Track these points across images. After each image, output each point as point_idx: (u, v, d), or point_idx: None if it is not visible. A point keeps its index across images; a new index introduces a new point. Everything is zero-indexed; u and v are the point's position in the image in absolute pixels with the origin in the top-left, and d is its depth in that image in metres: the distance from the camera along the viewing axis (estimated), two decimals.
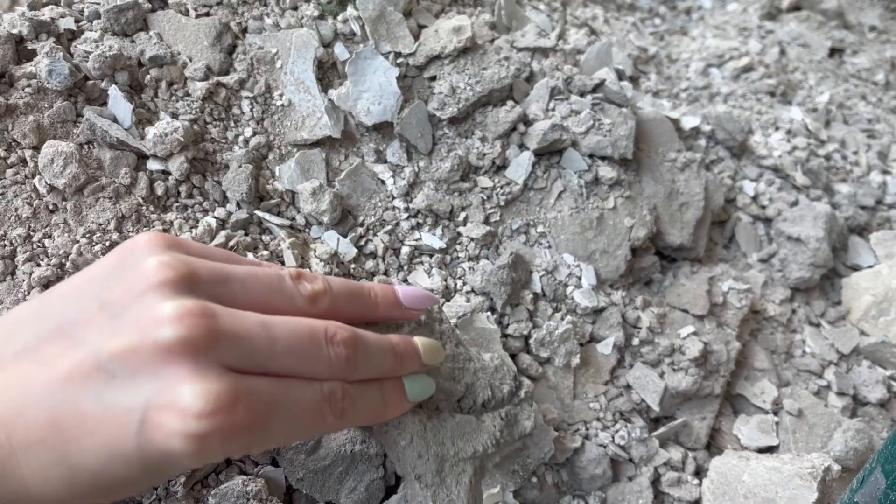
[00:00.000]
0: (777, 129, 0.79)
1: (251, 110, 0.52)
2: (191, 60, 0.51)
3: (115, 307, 0.27)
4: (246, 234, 0.48)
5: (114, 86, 0.47)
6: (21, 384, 0.26)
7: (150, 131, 0.46)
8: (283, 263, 0.47)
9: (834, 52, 1.02)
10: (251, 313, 0.29)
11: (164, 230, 0.46)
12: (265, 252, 0.48)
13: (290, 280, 0.32)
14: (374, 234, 0.52)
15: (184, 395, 0.25)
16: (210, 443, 0.25)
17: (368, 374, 0.33)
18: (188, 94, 0.50)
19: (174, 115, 0.49)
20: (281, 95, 0.52)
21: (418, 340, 0.36)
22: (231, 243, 0.46)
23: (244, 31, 0.55)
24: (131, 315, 0.27)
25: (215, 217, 0.48)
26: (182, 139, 0.47)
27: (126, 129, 0.47)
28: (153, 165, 0.47)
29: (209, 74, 0.51)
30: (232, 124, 0.51)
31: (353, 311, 0.34)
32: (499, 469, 0.44)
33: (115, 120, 0.47)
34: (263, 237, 0.49)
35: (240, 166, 0.49)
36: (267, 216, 0.49)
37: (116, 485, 0.27)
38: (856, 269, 0.69)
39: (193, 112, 0.50)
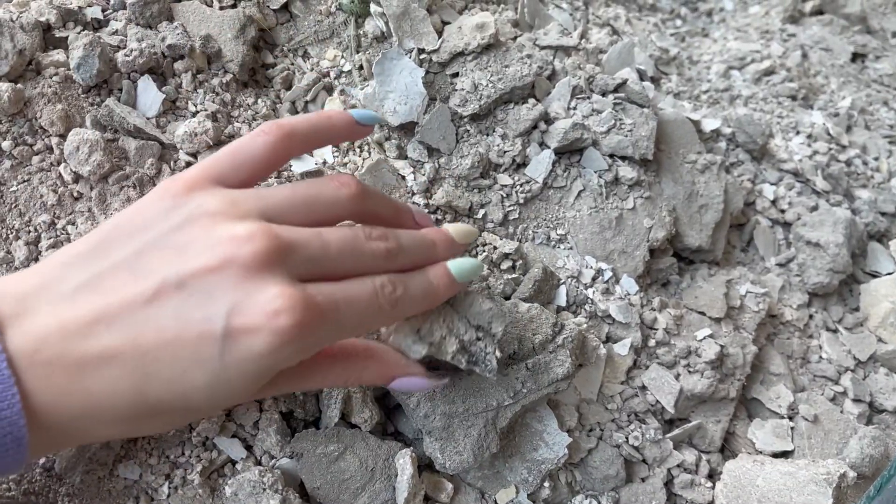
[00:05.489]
0: (798, 133, 0.79)
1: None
2: (215, 52, 0.51)
3: (179, 241, 0.29)
4: None
5: (146, 75, 0.47)
6: (87, 313, 0.28)
7: (180, 128, 0.46)
8: None
9: (856, 56, 1.01)
10: (303, 228, 0.32)
11: None
12: None
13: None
14: None
15: (265, 299, 0.28)
16: (291, 336, 0.28)
17: (408, 262, 0.35)
18: (213, 87, 0.50)
19: (197, 109, 0.49)
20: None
21: (448, 226, 0.39)
22: None
23: (270, 27, 0.55)
24: (199, 243, 0.29)
25: None
26: (211, 141, 0.47)
27: (147, 119, 0.47)
28: (184, 158, 0.47)
29: (232, 67, 0.52)
30: (259, 117, 0.51)
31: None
32: (522, 418, 0.45)
33: (135, 108, 0.47)
34: None
35: None
36: None
37: (186, 399, 0.28)
38: (875, 275, 0.69)
39: (218, 104, 0.50)
